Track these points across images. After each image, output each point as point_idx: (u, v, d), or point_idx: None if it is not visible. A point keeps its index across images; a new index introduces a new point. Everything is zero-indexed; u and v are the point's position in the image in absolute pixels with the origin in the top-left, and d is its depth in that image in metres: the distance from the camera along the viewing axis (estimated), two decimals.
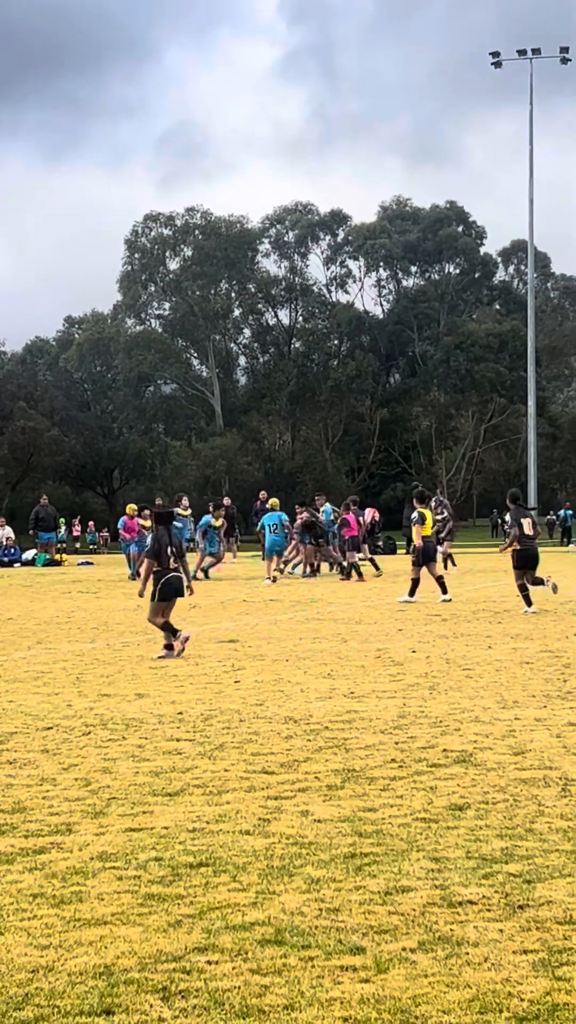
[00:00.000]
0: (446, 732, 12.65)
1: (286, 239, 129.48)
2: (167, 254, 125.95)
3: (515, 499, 27.94)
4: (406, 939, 6.68)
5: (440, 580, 30.52)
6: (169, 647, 19.91)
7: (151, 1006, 5.89)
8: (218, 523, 42.86)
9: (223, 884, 7.71)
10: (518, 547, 27.08)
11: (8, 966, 6.45)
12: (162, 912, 7.20)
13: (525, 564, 27.24)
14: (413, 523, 30.50)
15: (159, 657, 19.58)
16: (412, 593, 30.09)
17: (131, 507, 44.86)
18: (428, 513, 30.77)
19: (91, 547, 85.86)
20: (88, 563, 59.84)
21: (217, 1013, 5.80)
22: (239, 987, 6.08)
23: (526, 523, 27.17)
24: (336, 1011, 5.79)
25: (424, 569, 30.09)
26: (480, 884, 7.60)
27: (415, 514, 30.45)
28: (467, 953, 6.47)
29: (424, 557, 30.16)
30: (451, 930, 6.81)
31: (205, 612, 28.75)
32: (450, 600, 29.77)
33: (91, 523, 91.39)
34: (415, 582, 30.25)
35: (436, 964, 6.33)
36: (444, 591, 30.27)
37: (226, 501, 51.63)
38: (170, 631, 19.98)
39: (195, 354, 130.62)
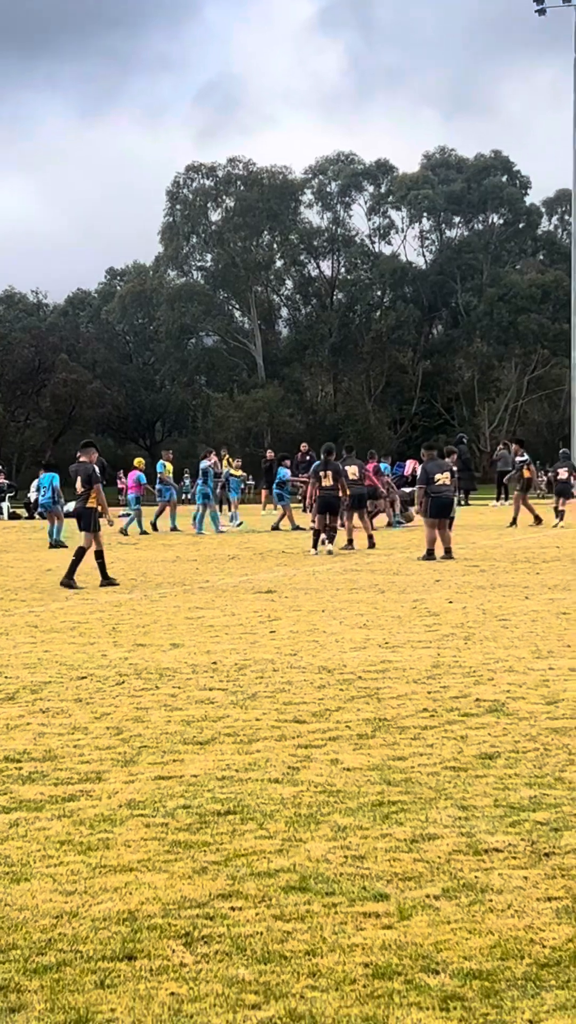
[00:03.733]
0: (479, 682, 12.63)
1: (329, 190, 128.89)
2: (209, 205, 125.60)
3: (328, 452, 32.09)
4: (430, 886, 6.68)
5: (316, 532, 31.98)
6: None
7: (173, 951, 5.91)
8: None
9: (249, 832, 7.72)
10: (318, 493, 31.00)
11: (33, 912, 6.48)
12: (188, 859, 7.23)
13: (323, 510, 31.04)
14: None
15: None
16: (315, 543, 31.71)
17: (139, 460, 44.84)
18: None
19: None
20: (128, 515, 59.90)
21: (239, 959, 5.81)
22: (261, 933, 6.10)
23: (325, 475, 31.06)
24: (357, 957, 5.79)
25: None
26: (507, 832, 7.59)
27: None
28: (491, 900, 6.46)
29: (320, 507, 31.74)
30: (476, 877, 6.80)
31: (243, 563, 28.79)
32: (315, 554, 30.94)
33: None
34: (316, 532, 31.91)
35: (459, 911, 6.33)
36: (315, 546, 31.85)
37: (269, 454, 51.70)
38: None
39: (237, 306, 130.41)
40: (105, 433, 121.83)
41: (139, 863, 7.18)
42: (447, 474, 28.89)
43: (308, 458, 51.92)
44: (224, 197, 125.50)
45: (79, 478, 24.40)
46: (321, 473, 31.24)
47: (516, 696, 11.82)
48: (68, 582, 23.59)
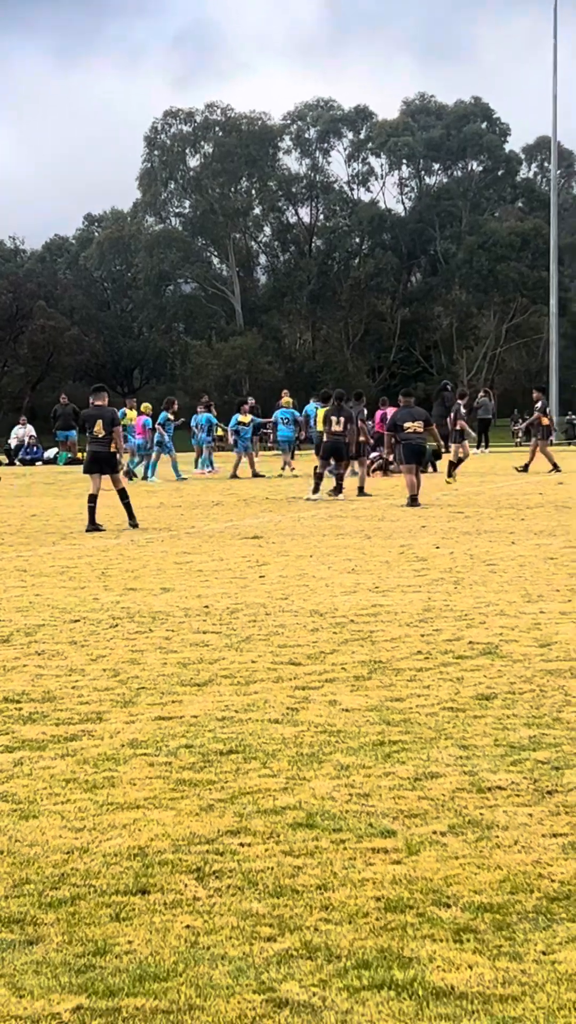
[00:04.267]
0: (471, 625, 12.70)
1: (307, 136, 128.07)
2: (187, 151, 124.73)
3: (339, 398, 32.27)
4: (436, 823, 6.75)
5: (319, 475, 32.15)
6: None
7: (186, 886, 5.97)
8: (246, 420, 43.34)
9: (254, 770, 7.78)
10: (325, 438, 31.43)
11: (44, 847, 6.54)
12: (194, 797, 7.29)
13: (327, 455, 31.66)
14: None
15: None
16: (316, 489, 31.76)
17: (145, 405, 45.09)
18: (320, 411, 34.42)
19: None
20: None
21: (251, 893, 5.88)
22: (272, 868, 6.16)
23: (335, 420, 31.23)
24: (369, 891, 5.86)
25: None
26: (508, 770, 7.66)
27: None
28: (497, 836, 6.53)
29: (325, 452, 32.03)
30: (481, 814, 6.87)
31: (228, 509, 28.82)
32: (315, 500, 30.88)
33: None
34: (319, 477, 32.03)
35: (466, 847, 6.40)
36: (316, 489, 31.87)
37: (250, 401, 51.68)
38: None
39: (215, 253, 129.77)
40: (83, 380, 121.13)
41: (146, 800, 7.24)
42: (419, 422, 29.15)
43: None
44: (202, 143, 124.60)
45: (100, 422, 24.66)
46: (333, 418, 31.26)
47: (509, 639, 11.89)
48: (133, 523, 24.41)
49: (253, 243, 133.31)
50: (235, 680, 10.33)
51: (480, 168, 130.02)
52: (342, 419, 31.25)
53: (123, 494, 24.44)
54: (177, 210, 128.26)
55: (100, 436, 24.69)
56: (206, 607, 14.23)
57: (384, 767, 7.78)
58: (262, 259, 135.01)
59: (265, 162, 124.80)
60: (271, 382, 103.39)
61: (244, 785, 7.48)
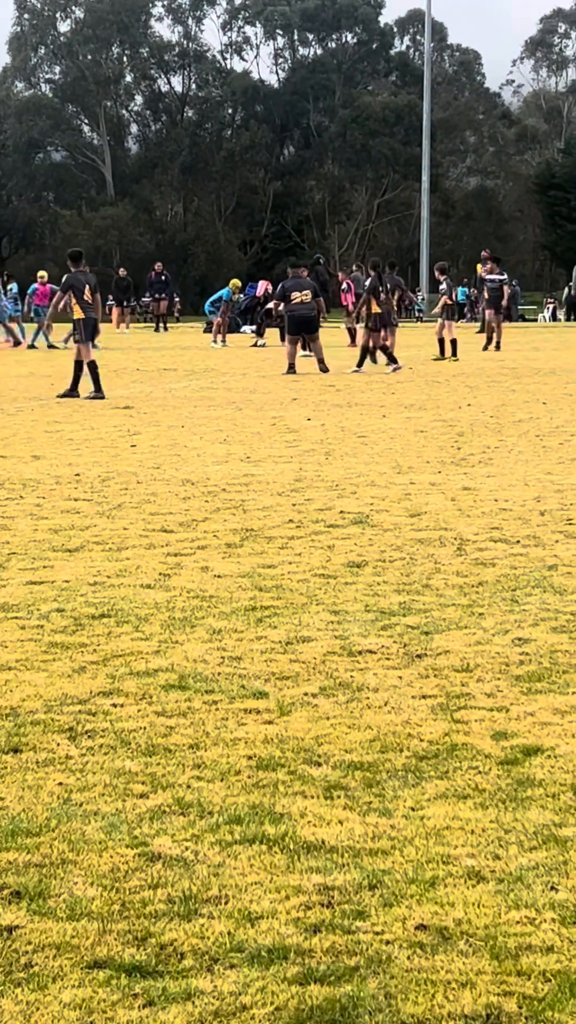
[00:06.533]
0: (342, 495, 12.76)
1: (180, 2, 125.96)
2: (58, 16, 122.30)
3: (374, 267, 31.21)
4: (307, 685, 6.82)
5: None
6: None
7: (58, 744, 5.99)
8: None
9: (126, 634, 7.79)
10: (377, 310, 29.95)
11: None
12: (66, 659, 7.29)
13: (381, 326, 30.40)
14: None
15: None
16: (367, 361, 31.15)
17: (42, 274, 45.13)
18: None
19: None
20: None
21: (123, 751, 5.90)
22: (144, 728, 6.19)
23: (384, 291, 30.57)
24: (241, 750, 5.91)
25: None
26: (379, 635, 7.74)
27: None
28: (367, 698, 6.61)
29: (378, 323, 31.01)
30: (351, 676, 6.95)
31: None
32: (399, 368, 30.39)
33: None
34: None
35: (337, 707, 6.47)
36: (393, 361, 30.83)
37: (121, 272, 51.33)
38: None
39: (86, 121, 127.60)
40: None
41: (17, 662, 7.23)
42: (307, 292, 29.24)
43: (163, 278, 51.68)
44: (73, 7, 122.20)
45: (87, 287, 24.14)
46: (380, 289, 30.34)
47: (379, 509, 11.97)
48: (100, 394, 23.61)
49: (124, 112, 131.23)
50: (107, 546, 10.31)
51: (354, 40, 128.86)
52: (388, 286, 31.26)
53: (92, 365, 23.82)
54: (47, 76, 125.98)
55: (91, 302, 24.29)
56: (77, 475, 14.16)
57: (256, 631, 7.83)
58: (133, 128, 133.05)
59: (137, 29, 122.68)
60: (142, 254, 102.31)
61: (116, 648, 7.49)
